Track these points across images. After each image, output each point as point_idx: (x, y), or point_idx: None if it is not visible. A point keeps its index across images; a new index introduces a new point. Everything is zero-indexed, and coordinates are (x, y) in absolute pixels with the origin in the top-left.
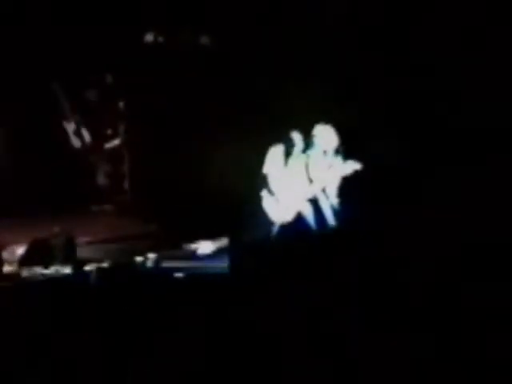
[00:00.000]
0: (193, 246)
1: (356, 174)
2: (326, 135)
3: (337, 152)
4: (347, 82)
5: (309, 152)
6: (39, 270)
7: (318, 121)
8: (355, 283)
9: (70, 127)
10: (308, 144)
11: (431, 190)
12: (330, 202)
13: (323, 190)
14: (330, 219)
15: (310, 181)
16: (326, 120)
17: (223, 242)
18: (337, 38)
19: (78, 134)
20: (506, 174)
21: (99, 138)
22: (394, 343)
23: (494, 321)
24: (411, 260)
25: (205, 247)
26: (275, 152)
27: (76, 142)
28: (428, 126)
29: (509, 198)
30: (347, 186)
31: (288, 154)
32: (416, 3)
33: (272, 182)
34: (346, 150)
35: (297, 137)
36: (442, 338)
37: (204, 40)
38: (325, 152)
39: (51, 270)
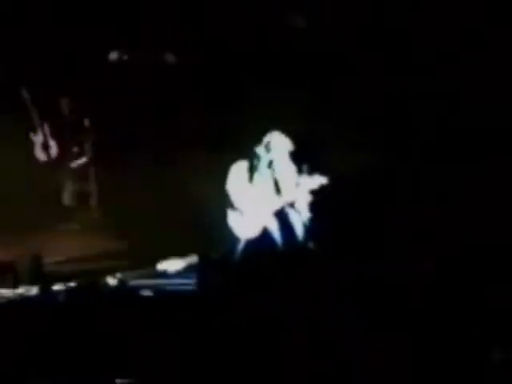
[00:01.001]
0: (161, 263)
1: (325, 188)
2: (283, 147)
3: (301, 169)
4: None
5: (274, 166)
6: (6, 292)
7: (277, 133)
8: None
9: (38, 139)
10: (273, 159)
11: (431, 190)
12: (300, 218)
13: (293, 206)
14: (300, 234)
15: (277, 195)
16: (288, 133)
17: (192, 259)
18: (337, 37)
19: (45, 147)
20: (506, 174)
21: (66, 155)
22: (394, 343)
23: (494, 320)
24: (411, 260)
25: (173, 265)
26: (240, 167)
27: (42, 156)
28: (428, 126)
29: (509, 198)
30: (317, 201)
31: (253, 169)
32: (416, 3)
33: (237, 198)
34: (313, 166)
35: (262, 152)
36: (442, 338)
37: (168, 57)
38: (290, 167)
39: (18, 292)
